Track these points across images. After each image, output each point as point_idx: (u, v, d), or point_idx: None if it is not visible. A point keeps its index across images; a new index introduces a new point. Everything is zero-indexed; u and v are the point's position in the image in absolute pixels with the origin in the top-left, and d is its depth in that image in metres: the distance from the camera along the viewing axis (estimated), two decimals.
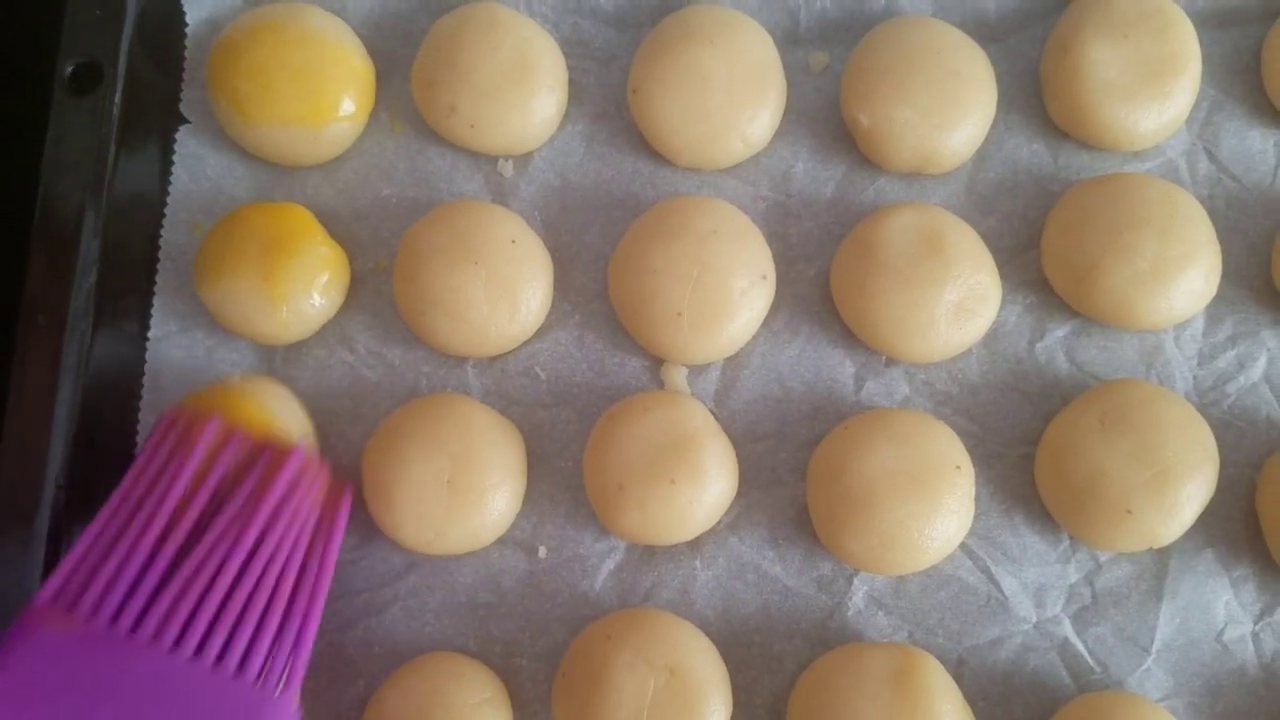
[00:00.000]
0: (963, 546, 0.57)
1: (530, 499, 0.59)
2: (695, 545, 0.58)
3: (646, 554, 0.58)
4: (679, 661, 0.54)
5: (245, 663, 0.48)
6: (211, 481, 0.51)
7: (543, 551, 0.59)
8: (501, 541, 0.59)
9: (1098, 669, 0.56)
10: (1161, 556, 0.57)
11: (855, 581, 0.57)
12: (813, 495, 0.56)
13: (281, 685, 0.48)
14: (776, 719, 0.56)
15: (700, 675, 0.54)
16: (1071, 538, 0.57)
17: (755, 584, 0.58)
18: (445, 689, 0.55)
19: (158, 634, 0.47)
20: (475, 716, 0.54)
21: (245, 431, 0.53)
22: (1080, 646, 0.56)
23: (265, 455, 0.52)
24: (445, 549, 0.57)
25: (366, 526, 0.59)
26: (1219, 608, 0.56)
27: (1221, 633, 0.56)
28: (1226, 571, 0.56)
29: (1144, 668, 0.55)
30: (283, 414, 0.58)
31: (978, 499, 0.57)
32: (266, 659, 0.48)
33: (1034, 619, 0.56)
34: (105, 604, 0.47)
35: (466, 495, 0.56)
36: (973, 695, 0.55)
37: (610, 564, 0.59)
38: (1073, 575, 0.57)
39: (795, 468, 0.59)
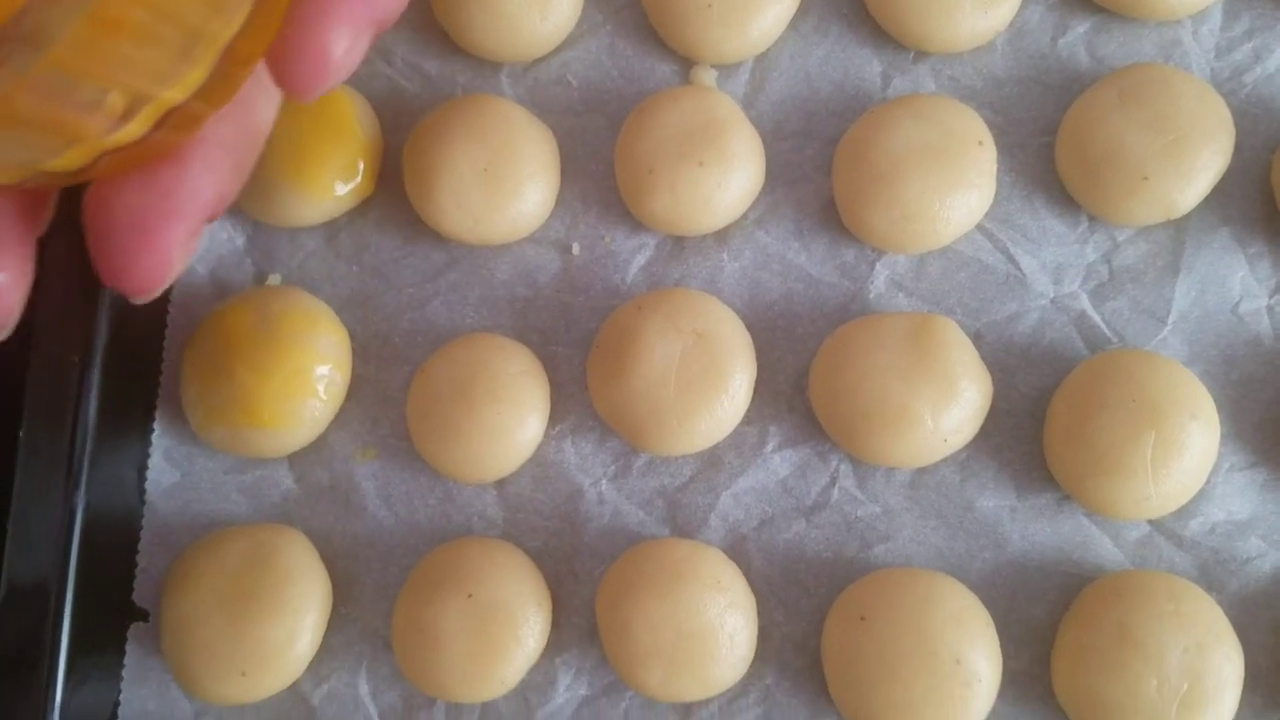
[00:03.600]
0: (982, 229, 0.59)
1: (563, 200, 0.62)
2: (722, 238, 0.60)
3: (676, 247, 0.61)
4: (706, 327, 0.56)
5: None
6: None
7: (576, 248, 0.61)
8: (536, 240, 0.61)
9: (1114, 339, 0.57)
10: (1178, 234, 0.58)
11: (877, 266, 0.59)
12: (838, 177, 0.58)
13: None
14: (799, 393, 0.58)
15: (726, 338, 0.56)
16: (1090, 218, 0.59)
17: (780, 273, 0.60)
18: (488, 359, 0.58)
19: None
20: (515, 384, 0.57)
21: None
22: (1097, 318, 0.58)
23: None
24: (483, 237, 0.59)
25: (410, 225, 0.62)
26: (1234, 282, 0.58)
27: (1237, 305, 0.57)
28: (1242, 248, 0.58)
29: (1160, 337, 0.57)
30: (365, 121, 0.61)
31: (999, 187, 0.59)
32: None
33: (1051, 294, 0.58)
34: None
35: (503, 183, 0.58)
36: (990, 366, 0.57)
37: (641, 259, 0.61)
38: (1091, 254, 0.58)
39: (821, 165, 0.61)
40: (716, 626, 0.53)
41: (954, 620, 0.52)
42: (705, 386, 0.56)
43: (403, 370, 0.61)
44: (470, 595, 0.55)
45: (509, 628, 0.54)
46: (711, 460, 0.58)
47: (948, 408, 0.54)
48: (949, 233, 0.57)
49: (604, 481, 0.59)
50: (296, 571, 0.56)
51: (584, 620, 0.57)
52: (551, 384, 0.59)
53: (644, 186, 0.58)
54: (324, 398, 0.58)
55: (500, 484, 0.59)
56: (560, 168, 0.61)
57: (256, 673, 0.55)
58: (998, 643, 0.53)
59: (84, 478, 0.56)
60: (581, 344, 0.60)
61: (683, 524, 0.58)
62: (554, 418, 0.59)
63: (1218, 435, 0.54)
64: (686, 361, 0.56)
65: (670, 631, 0.53)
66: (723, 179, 0.58)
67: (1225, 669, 0.51)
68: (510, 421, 0.57)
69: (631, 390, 0.56)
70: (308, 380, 0.57)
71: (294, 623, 0.55)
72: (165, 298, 0.61)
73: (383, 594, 0.59)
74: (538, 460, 0.59)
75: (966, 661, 0.51)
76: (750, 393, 0.57)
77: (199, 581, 0.56)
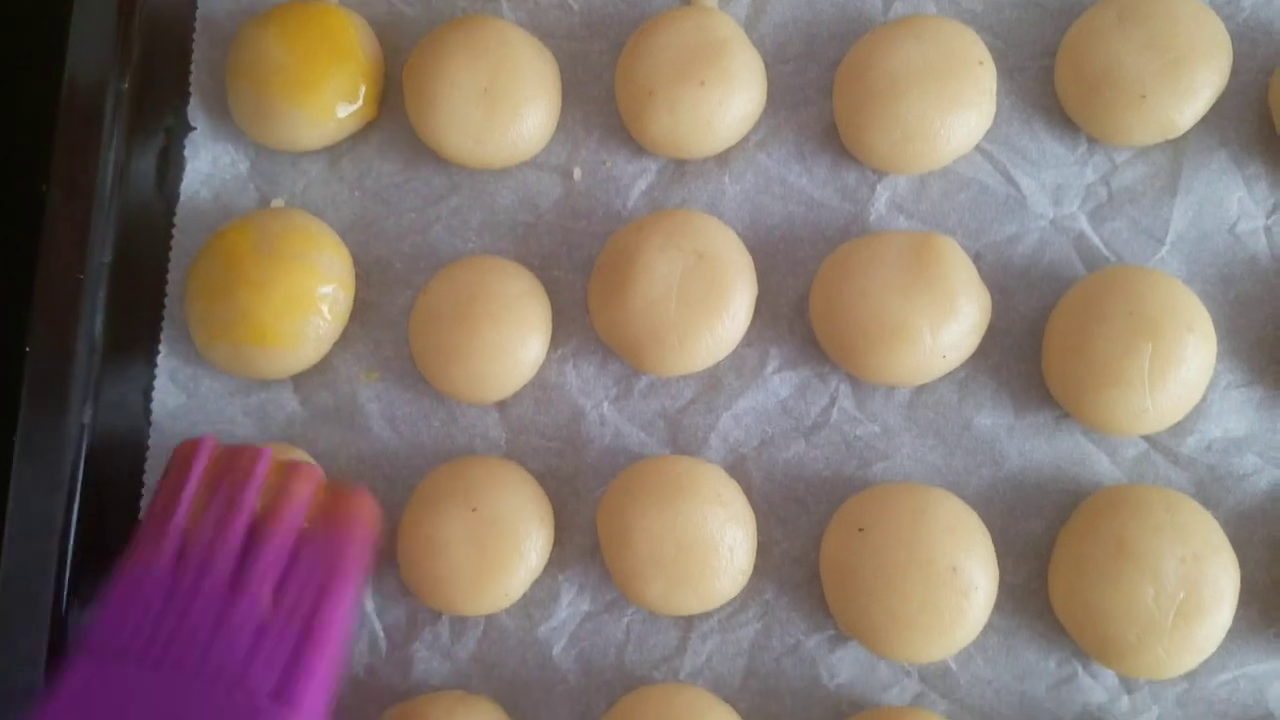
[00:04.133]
0: (983, 151, 0.59)
1: (564, 126, 0.62)
2: (723, 161, 0.61)
3: (677, 172, 0.61)
4: (707, 247, 0.57)
5: (245, 676, 0.44)
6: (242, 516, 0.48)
7: (577, 174, 0.62)
8: (537, 165, 0.62)
9: (1113, 259, 0.58)
10: (1176, 156, 0.58)
11: (878, 188, 0.60)
12: (839, 97, 0.59)
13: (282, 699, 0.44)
14: (800, 315, 0.59)
15: (727, 258, 0.57)
16: (1089, 140, 0.59)
17: (781, 196, 0.60)
18: (489, 280, 0.58)
19: (179, 662, 0.45)
20: (516, 305, 0.58)
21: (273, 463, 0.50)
22: (1096, 239, 0.58)
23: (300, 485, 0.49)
24: (484, 160, 0.60)
25: (412, 151, 0.62)
26: (1232, 203, 0.58)
27: (1234, 225, 0.58)
28: (1239, 169, 0.58)
29: (1158, 257, 0.57)
30: (366, 44, 0.61)
31: (999, 110, 0.59)
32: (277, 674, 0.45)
33: (1051, 215, 0.58)
34: (136, 641, 0.45)
35: (504, 104, 0.59)
36: (989, 286, 0.57)
37: (642, 183, 0.61)
38: (1090, 175, 0.59)
39: (823, 88, 0.61)
40: (716, 539, 0.54)
41: (950, 531, 0.53)
42: (706, 305, 0.56)
43: (405, 294, 0.61)
44: (474, 509, 0.55)
45: (512, 541, 0.55)
46: (712, 382, 0.59)
47: (947, 324, 0.54)
48: (949, 152, 0.57)
49: (605, 404, 0.59)
50: None
51: (586, 539, 0.58)
52: (553, 309, 0.60)
53: (645, 108, 0.58)
54: (328, 317, 0.58)
55: (502, 406, 0.60)
56: (561, 92, 0.61)
57: None
58: (994, 554, 0.54)
59: (91, 395, 0.57)
60: (582, 269, 0.61)
61: (683, 445, 0.59)
62: (555, 342, 0.60)
63: (1215, 350, 0.54)
64: (687, 280, 0.56)
65: (671, 543, 0.54)
66: (724, 99, 0.58)
67: (1222, 580, 0.52)
68: (512, 341, 0.57)
69: (632, 309, 0.56)
70: (310, 298, 0.58)
71: None
72: (169, 220, 0.62)
73: (387, 513, 0.58)
74: (539, 383, 0.60)
75: (963, 570, 0.52)
76: (751, 312, 0.57)
77: None
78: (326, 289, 0.58)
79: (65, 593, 0.56)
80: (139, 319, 0.60)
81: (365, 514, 0.50)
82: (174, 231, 0.62)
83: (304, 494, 0.49)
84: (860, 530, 0.53)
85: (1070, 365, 0.54)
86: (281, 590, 0.46)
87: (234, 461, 0.49)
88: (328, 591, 0.47)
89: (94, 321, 0.57)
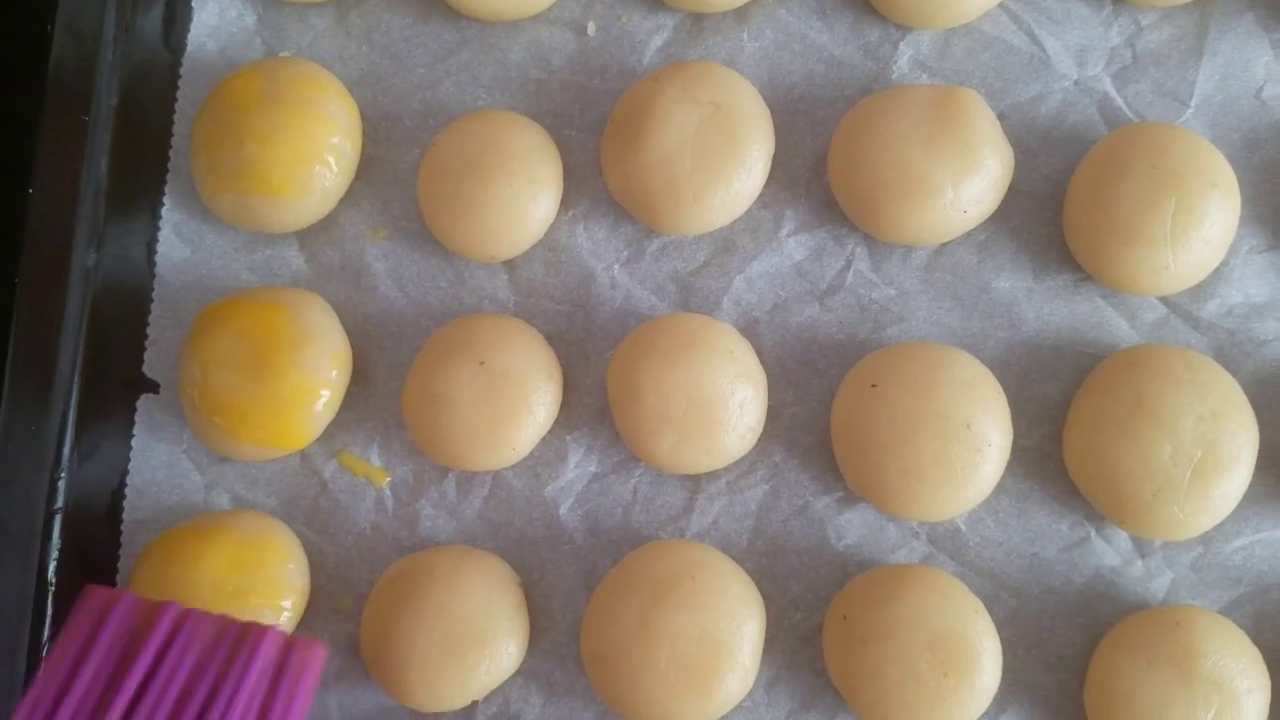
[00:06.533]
0: (1007, 9, 0.58)
1: None
2: (742, 17, 0.59)
3: (694, 28, 0.60)
4: (724, 98, 0.55)
5: None
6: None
7: (591, 28, 0.60)
8: (549, 19, 0.60)
9: (1136, 121, 0.56)
10: (1202, 18, 0.57)
11: (901, 45, 0.58)
12: None
13: None
14: (817, 177, 0.58)
15: (745, 110, 0.56)
16: (1114, 1, 0.57)
17: (801, 54, 0.59)
18: (500, 134, 0.57)
19: None
20: (527, 159, 0.57)
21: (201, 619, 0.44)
22: (1120, 101, 0.57)
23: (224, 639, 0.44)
24: (495, 11, 0.58)
25: (421, 2, 0.61)
26: (1259, 67, 0.57)
27: (1260, 90, 0.56)
28: (1267, 33, 0.57)
29: (1182, 120, 0.56)
30: None
31: None
32: None
33: (1075, 76, 0.57)
34: None
35: None
36: (1013, 148, 0.56)
37: (658, 40, 0.60)
38: (1115, 38, 0.57)
39: None
40: (727, 394, 0.53)
41: (966, 387, 0.52)
42: (723, 159, 0.55)
43: (413, 151, 0.60)
44: (482, 363, 0.54)
45: (520, 394, 0.54)
46: (725, 244, 0.58)
47: (969, 177, 0.53)
48: (975, 5, 0.56)
49: (616, 266, 0.58)
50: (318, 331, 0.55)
51: (594, 400, 0.57)
52: (565, 168, 0.59)
53: None
54: (334, 169, 0.57)
55: (511, 266, 0.59)
56: None
57: (278, 422, 0.55)
58: (1009, 413, 0.53)
59: (95, 241, 0.56)
60: (595, 128, 0.59)
61: (695, 307, 0.58)
62: (566, 202, 0.59)
63: (1238, 209, 0.53)
64: (703, 133, 0.55)
65: (681, 398, 0.53)
66: None
67: (1240, 437, 0.51)
68: (522, 195, 0.56)
69: (646, 163, 0.55)
70: (317, 148, 0.56)
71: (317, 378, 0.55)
72: (174, 73, 0.60)
73: (394, 373, 0.58)
74: (549, 244, 0.59)
75: (977, 426, 0.51)
76: (768, 167, 0.56)
77: (219, 338, 0.55)
78: (334, 139, 0.57)
79: (68, 445, 0.55)
80: (144, 171, 0.59)
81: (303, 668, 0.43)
82: (179, 84, 0.60)
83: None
84: (873, 386, 0.53)
85: (1092, 221, 0.53)
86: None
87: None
88: None
89: (99, 165, 0.56)
